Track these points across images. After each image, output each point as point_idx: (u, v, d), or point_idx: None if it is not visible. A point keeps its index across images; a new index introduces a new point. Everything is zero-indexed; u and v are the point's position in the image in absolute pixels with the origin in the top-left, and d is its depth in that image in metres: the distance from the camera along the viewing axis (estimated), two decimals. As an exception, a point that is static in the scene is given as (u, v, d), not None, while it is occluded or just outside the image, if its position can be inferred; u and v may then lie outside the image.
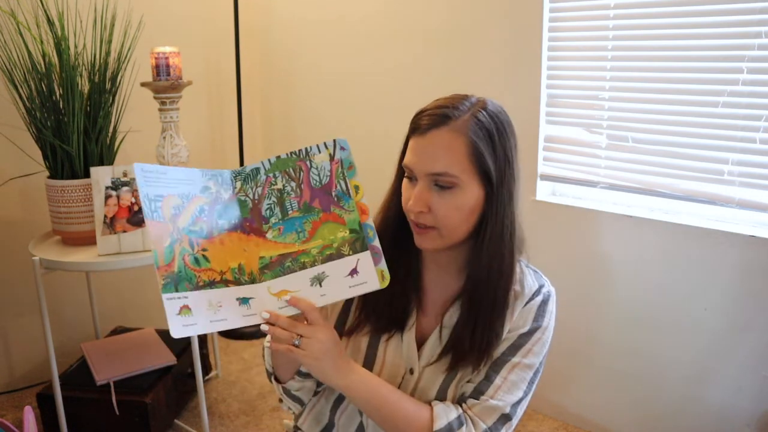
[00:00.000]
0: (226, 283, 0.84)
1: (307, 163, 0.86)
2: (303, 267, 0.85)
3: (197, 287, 0.82)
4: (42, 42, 1.73)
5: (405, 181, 0.92)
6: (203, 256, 0.84)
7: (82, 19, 1.89)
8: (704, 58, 1.66)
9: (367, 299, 0.96)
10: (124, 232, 1.69)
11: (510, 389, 0.91)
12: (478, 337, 0.91)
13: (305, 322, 0.84)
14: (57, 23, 1.72)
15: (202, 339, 2.18)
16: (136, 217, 1.70)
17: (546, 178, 1.99)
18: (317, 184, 0.86)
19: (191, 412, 2.10)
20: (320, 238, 0.85)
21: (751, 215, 1.67)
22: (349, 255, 0.85)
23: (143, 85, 1.87)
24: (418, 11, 2.18)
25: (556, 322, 0.99)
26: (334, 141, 0.86)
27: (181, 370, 2.04)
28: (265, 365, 1.02)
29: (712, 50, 1.65)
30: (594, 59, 1.85)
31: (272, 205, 0.86)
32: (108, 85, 1.81)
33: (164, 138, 1.90)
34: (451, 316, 0.95)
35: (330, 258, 0.85)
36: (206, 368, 2.26)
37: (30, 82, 1.73)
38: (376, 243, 0.85)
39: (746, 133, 1.62)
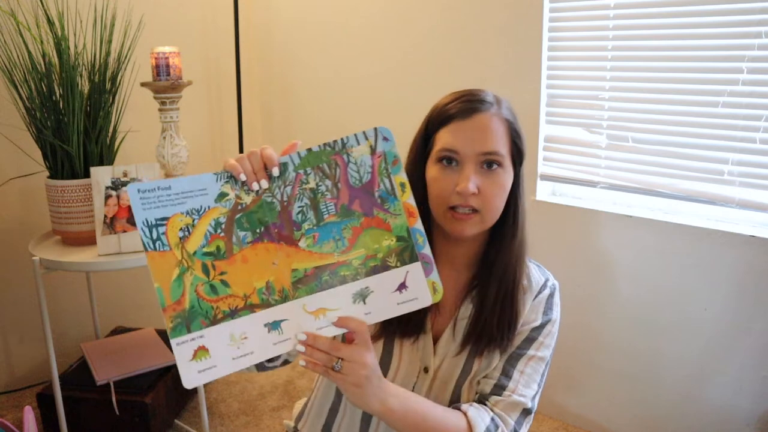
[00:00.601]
0: (251, 308, 0.73)
1: (344, 157, 0.74)
2: (343, 281, 0.75)
3: (215, 321, 0.71)
4: (42, 42, 1.73)
5: (438, 168, 0.89)
6: (222, 281, 0.72)
7: (82, 19, 1.89)
8: (704, 58, 1.66)
9: None
10: (124, 232, 1.69)
11: (527, 383, 0.93)
12: (496, 323, 0.92)
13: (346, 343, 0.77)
14: (57, 23, 1.72)
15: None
16: (136, 217, 1.69)
17: (546, 178, 1.99)
18: (357, 182, 0.74)
19: (191, 412, 2.10)
20: (362, 247, 0.74)
21: (751, 215, 1.67)
22: (396, 267, 0.75)
23: (143, 85, 1.87)
24: (418, 11, 2.18)
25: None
26: (376, 130, 0.75)
27: (181, 370, 2.03)
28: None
29: (712, 50, 1.65)
30: (594, 59, 1.85)
31: (304, 208, 0.73)
32: (108, 85, 1.81)
33: (164, 138, 1.90)
34: (465, 310, 0.96)
35: (374, 270, 0.74)
36: (206, 368, 2.26)
37: (30, 82, 1.73)
38: (427, 251, 0.76)
39: (746, 133, 1.62)
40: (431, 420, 0.84)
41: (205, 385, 2.20)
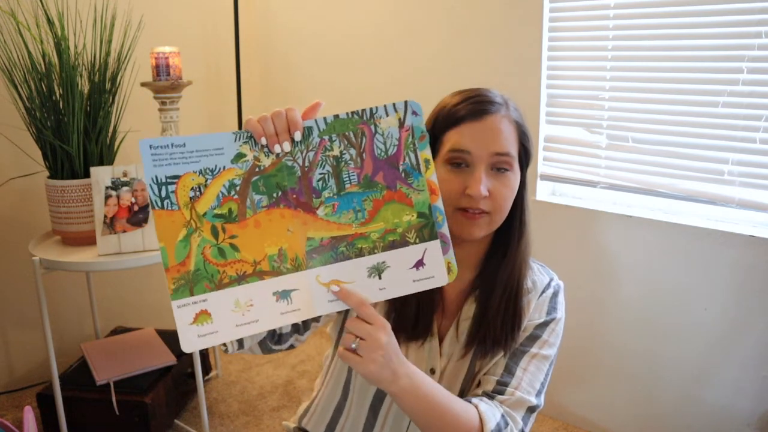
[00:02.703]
0: (260, 275, 0.70)
1: (372, 127, 0.72)
2: (360, 254, 0.73)
3: (220, 286, 0.69)
4: (42, 42, 1.73)
5: (446, 170, 0.88)
6: (231, 245, 0.69)
7: (82, 19, 1.89)
8: (704, 58, 1.66)
9: (396, 315, 0.94)
10: (124, 232, 1.69)
11: (531, 381, 0.92)
12: (501, 323, 0.92)
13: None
14: (57, 23, 1.72)
15: (202, 339, 2.18)
16: (136, 217, 1.70)
17: (546, 178, 1.99)
18: (382, 154, 0.72)
19: (191, 412, 2.10)
20: (382, 221, 0.72)
21: (751, 215, 1.67)
22: (415, 243, 0.73)
23: (143, 85, 1.87)
24: (418, 12, 2.18)
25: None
26: (406, 103, 0.73)
27: (181, 370, 2.04)
28: None
29: (712, 50, 1.65)
30: (594, 59, 1.85)
31: (326, 176, 0.71)
32: (108, 85, 1.81)
33: (164, 138, 1.90)
34: (468, 310, 0.96)
35: (393, 245, 0.73)
36: (206, 368, 2.26)
37: (30, 82, 1.73)
38: (446, 230, 0.75)
39: (746, 133, 1.62)
40: (442, 407, 0.82)
41: (205, 385, 2.20)
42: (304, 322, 0.90)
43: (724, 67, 1.63)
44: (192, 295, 0.68)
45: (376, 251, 0.73)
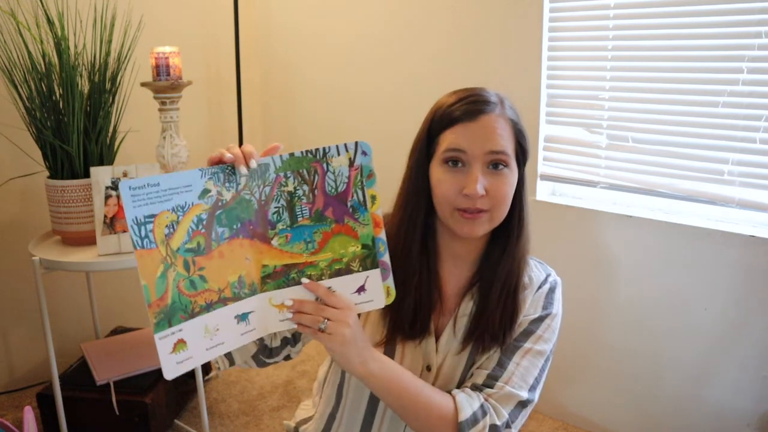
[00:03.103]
0: (224, 301, 0.77)
1: (324, 165, 0.77)
2: (309, 279, 0.81)
3: (193, 315, 0.74)
4: (42, 42, 1.73)
5: (443, 170, 0.89)
6: (200, 276, 0.75)
7: (82, 19, 1.89)
8: (704, 58, 1.66)
9: (393, 311, 0.94)
10: (124, 232, 1.69)
11: (523, 376, 0.92)
12: (498, 320, 0.92)
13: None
14: (57, 23, 1.72)
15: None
16: (136, 217, 1.69)
17: (546, 178, 1.99)
18: (332, 191, 0.78)
19: (191, 412, 2.10)
20: (330, 251, 0.80)
21: (751, 215, 1.67)
22: (359, 271, 0.81)
23: (143, 85, 1.87)
24: (418, 11, 2.18)
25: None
26: (356, 144, 0.79)
27: (181, 370, 2.04)
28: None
29: (712, 50, 1.65)
30: (594, 59, 1.85)
31: (281, 210, 0.77)
32: (108, 85, 1.81)
33: (164, 138, 1.90)
34: (465, 307, 0.96)
35: (338, 273, 0.80)
36: (206, 368, 2.26)
37: (30, 82, 1.73)
38: (386, 258, 0.82)
39: (746, 133, 1.62)
40: (414, 392, 0.85)
41: (205, 385, 2.20)
42: (294, 334, 0.95)
43: (724, 67, 1.63)
44: (170, 326, 0.73)
45: (323, 278, 0.80)
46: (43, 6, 1.77)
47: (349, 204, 0.79)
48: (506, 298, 0.93)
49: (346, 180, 0.78)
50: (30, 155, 1.99)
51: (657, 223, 1.77)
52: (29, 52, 1.72)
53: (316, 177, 0.78)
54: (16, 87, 1.73)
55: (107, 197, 1.67)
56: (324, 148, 0.77)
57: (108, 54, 1.81)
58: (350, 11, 2.38)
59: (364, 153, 0.79)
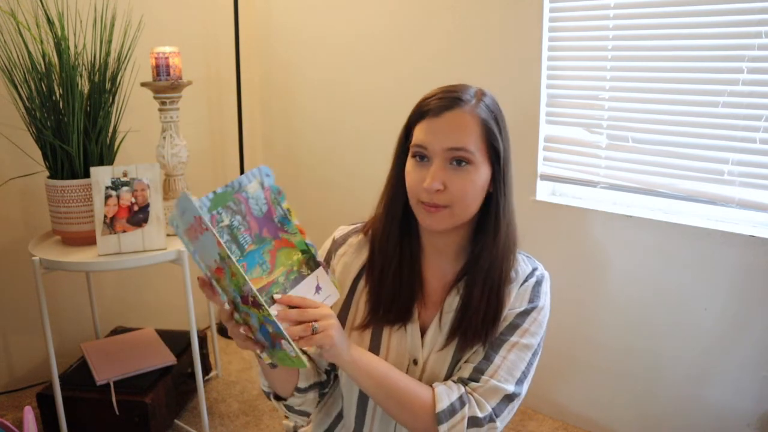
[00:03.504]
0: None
1: (244, 194, 0.83)
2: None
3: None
4: (42, 42, 1.73)
5: (411, 163, 0.92)
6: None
7: (82, 19, 1.90)
8: (704, 58, 1.66)
9: (373, 296, 0.98)
10: (124, 232, 1.69)
11: (510, 369, 0.92)
12: (482, 316, 0.93)
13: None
14: (57, 23, 1.72)
15: (202, 339, 2.18)
16: (136, 217, 1.70)
17: (546, 178, 1.99)
18: (259, 213, 0.84)
19: (191, 412, 2.10)
20: (281, 265, 0.85)
21: (751, 215, 1.67)
22: (309, 274, 0.88)
23: (143, 85, 1.87)
24: (418, 11, 2.18)
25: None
26: (259, 169, 0.85)
27: (181, 370, 2.04)
28: (262, 387, 1.03)
29: (712, 50, 1.65)
30: (594, 59, 1.85)
31: (228, 243, 0.81)
32: (108, 85, 1.81)
33: (164, 138, 1.90)
34: (451, 302, 0.97)
35: (296, 281, 0.86)
36: (206, 368, 2.26)
37: (30, 82, 1.73)
38: (321, 258, 0.90)
39: (746, 133, 1.62)
40: (395, 383, 0.89)
41: (205, 385, 2.20)
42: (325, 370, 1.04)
43: (724, 67, 1.63)
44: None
45: (287, 290, 0.86)
46: (43, 6, 1.77)
47: (276, 220, 0.85)
48: (489, 295, 0.94)
49: (265, 201, 0.85)
50: (30, 155, 1.99)
51: (657, 223, 1.77)
52: (29, 52, 1.72)
53: (242, 206, 0.83)
54: (16, 87, 1.73)
55: (107, 197, 1.67)
56: (238, 180, 0.83)
57: (108, 54, 1.81)
58: (350, 11, 2.38)
59: (267, 175, 0.85)
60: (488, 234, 0.94)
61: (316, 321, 0.82)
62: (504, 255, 0.95)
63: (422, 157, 0.91)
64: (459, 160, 0.89)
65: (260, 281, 0.83)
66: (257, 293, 0.75)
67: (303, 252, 0.87)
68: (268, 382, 0.98)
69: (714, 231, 1.67)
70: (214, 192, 0.81)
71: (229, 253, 0.74)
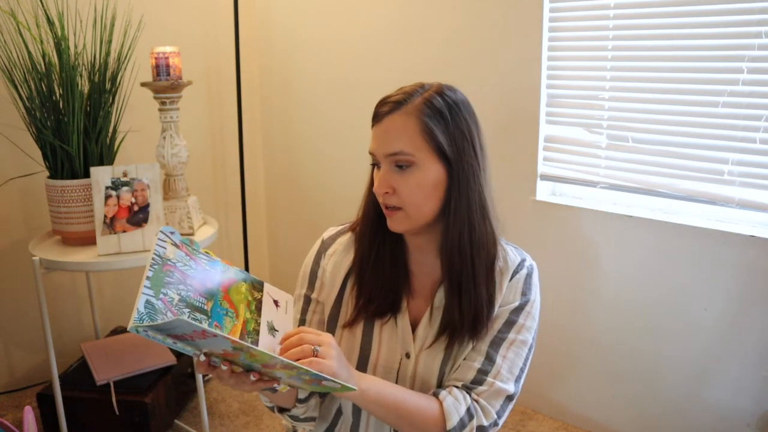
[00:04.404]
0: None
1: (169, 263, 0.84)
2: (257, 332, 0.87)
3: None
4: (42, 42, 1.73)
5: (374, 170, 0.97)
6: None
7: (82, 19, 1.90)
8: (704, 58, 1.66)
9: (360, 289, 1.00)
10: (124, 232, 1.69)
11: (510, 368, 0.94)
12: (465, 311, 0.94)
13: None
14: (57, 23, 1.72)
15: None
16: (135, 217, 1.70)
17: (546, 178, 1.99)
18: (192, 271, 0.85)
19: (191, 412, 2.10)
20: (240, 303, 0.87)
21: (751, 215, 1.67)
22: (262, 296, 0.90)
23: (143, 85, 1.87)
24: (418, 11, 2.18)
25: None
26: (163, 233, 0.86)
27: (181, 370, 2.04)
28: (264, 403, 1.03)
29: (712, 50, 1.65)
30: (594, 59, 1.85)
31: (190, 314, 0.81)
32: (108, 85, 1.81)
33: (164, 138, 1.90)
34: (441, 298, 0.98)
35: (258, 308, 0.89)
36: (206, 368, 2.26)
37: (30, 82, 1.73)
38: (254, 276, 0.93)
39: (746, 133, 1.62)
40: (405, 406, 0.88)
41: (205, 385, 2.20)
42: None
43: (724, 67, 1.63)
44: None
45: (260, 321, 0.88)
46: (43, 6, 1.77)
47: (207, 268, 0.87)
48: (476, 289, 0.94)
49: (187, 257, 0.85)
50: (30, 155, 1.99)
51: (657, 223, 1.77)
52: (29, 52, 1.72)
53: (175, 273, 0.83)
54: (16, 87, 1.73)
55: (107, 197, 1.67)
56: (156, 254, 0.83)
57: (108, 54, 1.81)
58: (350, 12, 2.38)
59: (172, 233, 0.86)
60: (448, 231, 0.94)
61: (317, 345, 0.82)
62: (476, 254, 0.94)
63: (376, 164, 0.95)
64: (399, 164, 0.91)
65: (236, 329, 0.85)
66: (287, 360, 0.75)
67: (243, 280, 0.90)
68: (269, 398, 0.98)
69: (714, 231, 1.67)
70: (147, 277, 0.81)
71: (248, 345, 0.73)
